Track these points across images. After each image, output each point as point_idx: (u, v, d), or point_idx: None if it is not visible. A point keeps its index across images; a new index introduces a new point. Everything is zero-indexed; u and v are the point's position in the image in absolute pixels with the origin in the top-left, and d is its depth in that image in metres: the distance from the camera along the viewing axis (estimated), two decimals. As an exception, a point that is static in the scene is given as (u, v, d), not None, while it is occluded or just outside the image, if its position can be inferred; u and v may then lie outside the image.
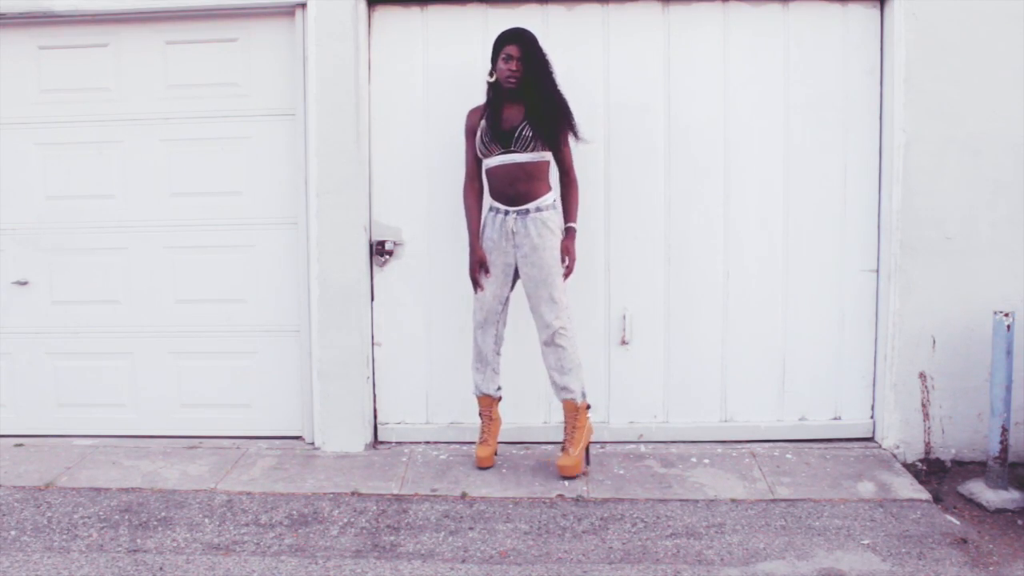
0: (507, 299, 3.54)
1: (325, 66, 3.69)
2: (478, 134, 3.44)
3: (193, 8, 3.76)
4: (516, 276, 3.52)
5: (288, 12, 3.77)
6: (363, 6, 3.73)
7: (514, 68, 3.34)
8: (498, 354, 3.59)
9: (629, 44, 3.76)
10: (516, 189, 3.40)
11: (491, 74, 3.42)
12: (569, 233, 3.50)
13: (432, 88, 3.82)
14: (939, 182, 3.63)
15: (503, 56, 3.37)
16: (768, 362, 3.86)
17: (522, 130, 3.35)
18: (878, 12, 3.72)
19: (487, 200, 3.54)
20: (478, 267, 3.50)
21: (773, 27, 3.74)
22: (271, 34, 3.83)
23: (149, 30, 3.85)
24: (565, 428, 3.54)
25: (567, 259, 3.48)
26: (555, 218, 3.44)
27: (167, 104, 3.88)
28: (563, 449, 3.54)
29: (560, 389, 3.50)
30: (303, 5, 3.71)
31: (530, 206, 3.40)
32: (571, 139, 3.46)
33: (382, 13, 3.81)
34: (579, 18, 3.75)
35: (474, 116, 3.50)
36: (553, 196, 3.47)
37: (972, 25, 3.57)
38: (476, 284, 3.51)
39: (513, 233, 3.42)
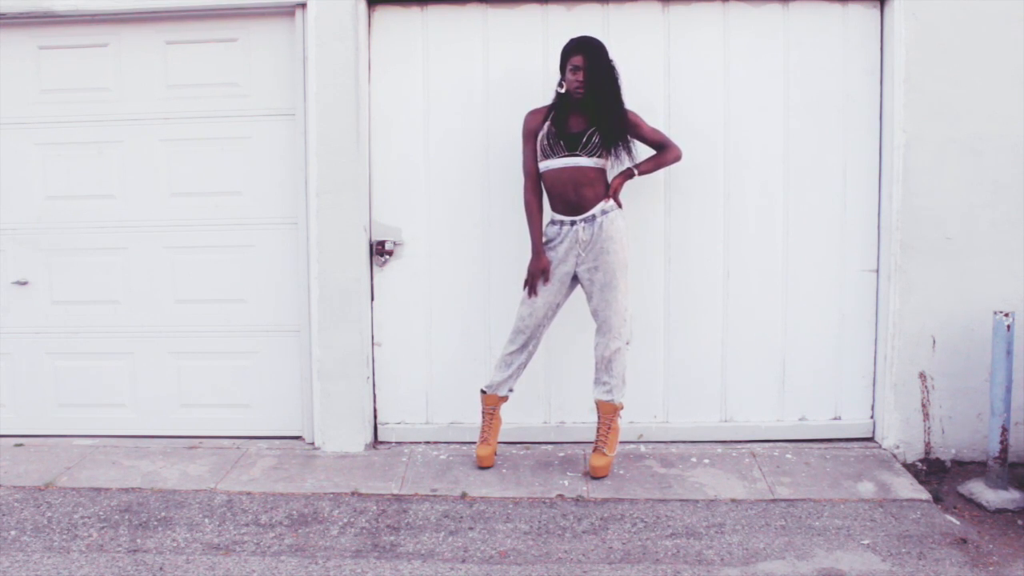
0: (558, 307, 3.54)
1: (325, 66, 3.69)
2: (540, 136, 3.43)
3: (193, 8, 3.76)
4: (572, 284, 3.52)
5: (288, 12, 3.77)
6: (363, 6, 3.73)
7: (581, 79, 3.33)
8: (531, 359, 3.59)
9: (629, 44, 3.75)
10: (580, 194, 3.39)
11: (560, 84, 3.41)
12: (627, 171, 3.47)
13: (432, 88, 3.82)
14: (939, 182, 3.63)
15: (570, 67, 3.35)
16: (768, 362, 3.86)
17: (591, 136, 3.36)
18: (878, 12, 3.72)
19: (547, 214, 3.51)
20: (539, 275, 3.46)
21: (773, 27, 3.75)
22: (271, 34, 3.83)
23: (149, 30, 3.85)
24: (599, 429, 3.54)
25: (611, 189, 3.44)
26: (619, 220, 3.43)
27: (167, 104, 3.88)
28: (595, 449, 3.54)
29: (605, 391, 3.51)
30: (303, 5, 3.71)
31: (595, 211, 3.40)
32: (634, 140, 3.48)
33: (382, 13, 3.81)
34: (579, 18, 3.75)
35: (535, 118, 3.47)
36: (611, 200, 3.43)
37: (972, 25, 3.57)
38: (533, 291, 3.48)
39: (584, 242, 3.40)
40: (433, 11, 3.79)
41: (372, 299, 3.89)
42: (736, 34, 3.75)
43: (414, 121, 3.84)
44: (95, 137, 3.92)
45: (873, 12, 3.72)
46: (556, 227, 3.47)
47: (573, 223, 3.42)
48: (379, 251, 3.85)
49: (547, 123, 3.43)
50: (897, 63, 3.61)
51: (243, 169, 3.89)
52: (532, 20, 3.76)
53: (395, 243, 3.86)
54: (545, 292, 3.47)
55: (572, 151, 3.37)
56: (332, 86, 3.70)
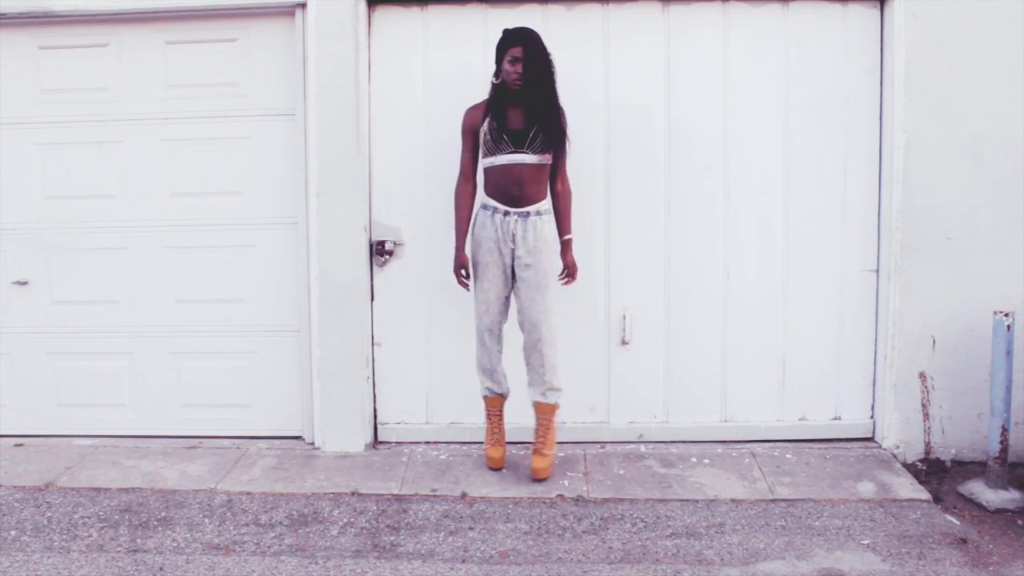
0: (508, 299, 3.50)
1: (325, 66, 3.69)
2: (482, 132, 3.37)
3: (193, 8, 3.76)
4: (513, 278, 3.47)
5: (288, 12, 3.77)
6: (363, 6, 3.73)
7: (520, 71, 3.29)
8: (502, 352, 3.55)
9: (629, 44, 3.76)
10: (523, 190, 3.35)
11: (496, 75, 3.37)
12: (567, 245, 3.50)
13: (432, 88, 3.82)
14: (939, 182, 3.63)
15: (508, 58, 3.30)
16: (768, 362, 3.86)
17: (536, 132, 3.31)
18: (878, 12, 3.72)
19: (479, 198, 3.47)
20: (460, 270, 3.46)
21: (773, 27, 3.75)
22: (271, 34, 3.83)
23: (149, 30, 3.85)
24: (538, 431, 3.51)
25: (567, 270, 3.51)
26: (552, 224, 3.44)
27: (167, 104, 3.88)
28: (536, 451, 3.50)
29: (544, 391, 3.46)
30: (303, 5, 3.71)
31: (531, 208, 3.37)
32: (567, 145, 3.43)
33: (382, 13, 3.81)
34: (579, 18, 3.76)
35: (475, 114, 3.42)
36: (549, 202, 3.45)
37: (972, 25, 3.57)
38: (462, 285, 3.49)
39: (514, 235, 3.37)
40: (433, 11, 3.79)
41: (372, 299, 3.89)
42: (736, 34, 3.75)
43: (414, 120, 3.83)
44: (95, 137, 3.92)
45: (873, 12, 3.72)
46: (488, 213, 3.41)
47: (507, 213, 3.37)
48: (379, 251, 3.85)
49: (488, 119, 3.37)
50: (897, 63, 3.61)
51: (243, 169, 3.89)
52: (532, 20, 3.75)
53: (395, 243, 3.86)
54: (493, 286, 3.42)
55: (518, 147, 3.32)
56: (332, 86, 3.70)
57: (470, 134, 3.42)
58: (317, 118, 3.72)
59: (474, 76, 3.79)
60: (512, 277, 3.45)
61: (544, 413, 3.49)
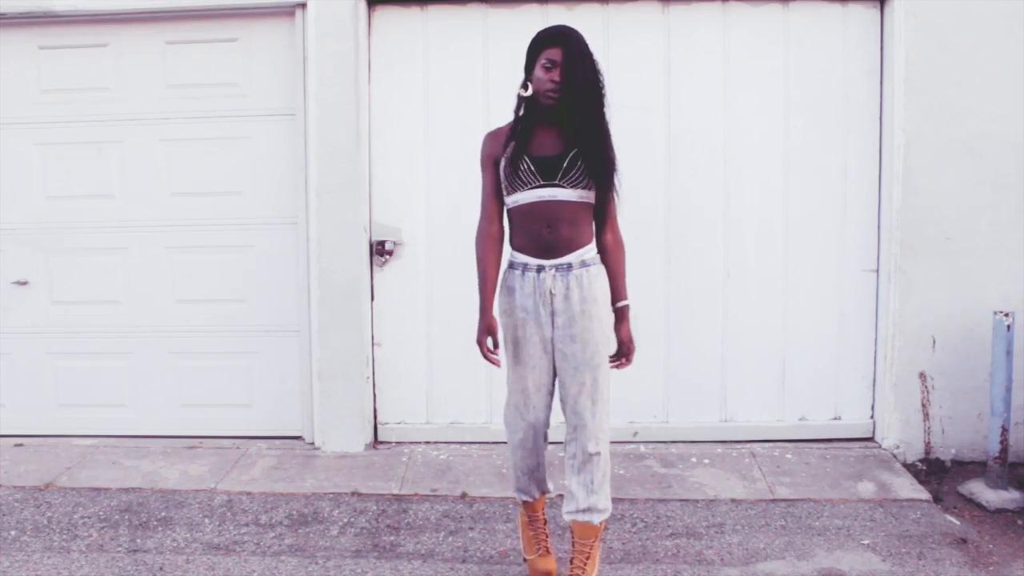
0: (553, 387, 2.64)
1: (325, 66, 3.69)
2: (503, 161, 2.54)
3: (193, 8, 3.76)
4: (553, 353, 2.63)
5: (288, 12, 3.77)
6: (363, 6, 3.73)
7: (557, 79, 2.45)
8: (546, 442, 2.70)
9: (629, 44, 3.76)
10: (557, 234, 2.51)
11: (525, 86, 2.52)
12: (622, 314, 2.65)
13: (432, 88, 3.82)
14: (939, 182, 3.63)
15: (543, 62, 2.47)
16: (768, 362, 3.86)
17: (574, 160, 2.47)
18: (878, 12, 3.72)
19: (506, 254, 2.65)
20: (486, 336, 2.61)
21: (773, 27, 3.75)
22: (271, 34, 3.83)
23: (149, 30, 3.85)
24: (576, 557, 2.59)
25: (621, 349, 2.69)
26: (603, 278, 2.59)
27: (167, 104, 3.88)
28: None
29: (583, 510, 2.56)
30: (303, 5, 3.71)
31: (572, 259, 2.53)
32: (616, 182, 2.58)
33: (382, 13, 3.81)
34: (579, 18, 3.75)
35: (495, 140, 2.60)
36: (595, 248, 2.62)
37: (972, 25, 3.57)
38: (489, 359, 2.63)
39: (552, 296, 2.54)
40: (433, 11, 3.79)
41: (372, 299, 3.89)
42: (736, 34, 3.75)
43: (414, 121, 3.84)
44: (95, 137, 3.92)
45: (873, 12, 3.72)
46: (518, 272, 2.58)
47: (540, 269, 2.54)
48: (379, 251, 3.85)
49: (512, 144, 2.54)
50: (897, 63, 3.61)
51: (243, 169, 3.89)
52: (532, 20, 3.75)
53: (395, 243, 3.86)
54: (531, 369, 2.58)
55: (549, 180, 2.48)
56: (332, 86, 3.70)
57: (491, 165, 2.60)
58: (317, 118, 3.72)
59: (474, 76, 3.79)
60: (552, 353, 2.60)
61: (584, 536, 2.60)
